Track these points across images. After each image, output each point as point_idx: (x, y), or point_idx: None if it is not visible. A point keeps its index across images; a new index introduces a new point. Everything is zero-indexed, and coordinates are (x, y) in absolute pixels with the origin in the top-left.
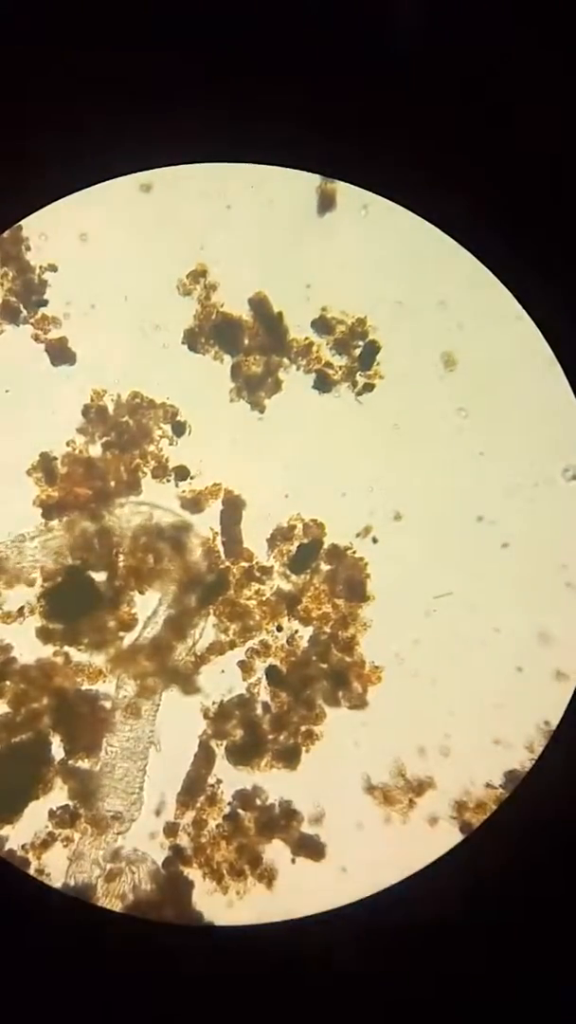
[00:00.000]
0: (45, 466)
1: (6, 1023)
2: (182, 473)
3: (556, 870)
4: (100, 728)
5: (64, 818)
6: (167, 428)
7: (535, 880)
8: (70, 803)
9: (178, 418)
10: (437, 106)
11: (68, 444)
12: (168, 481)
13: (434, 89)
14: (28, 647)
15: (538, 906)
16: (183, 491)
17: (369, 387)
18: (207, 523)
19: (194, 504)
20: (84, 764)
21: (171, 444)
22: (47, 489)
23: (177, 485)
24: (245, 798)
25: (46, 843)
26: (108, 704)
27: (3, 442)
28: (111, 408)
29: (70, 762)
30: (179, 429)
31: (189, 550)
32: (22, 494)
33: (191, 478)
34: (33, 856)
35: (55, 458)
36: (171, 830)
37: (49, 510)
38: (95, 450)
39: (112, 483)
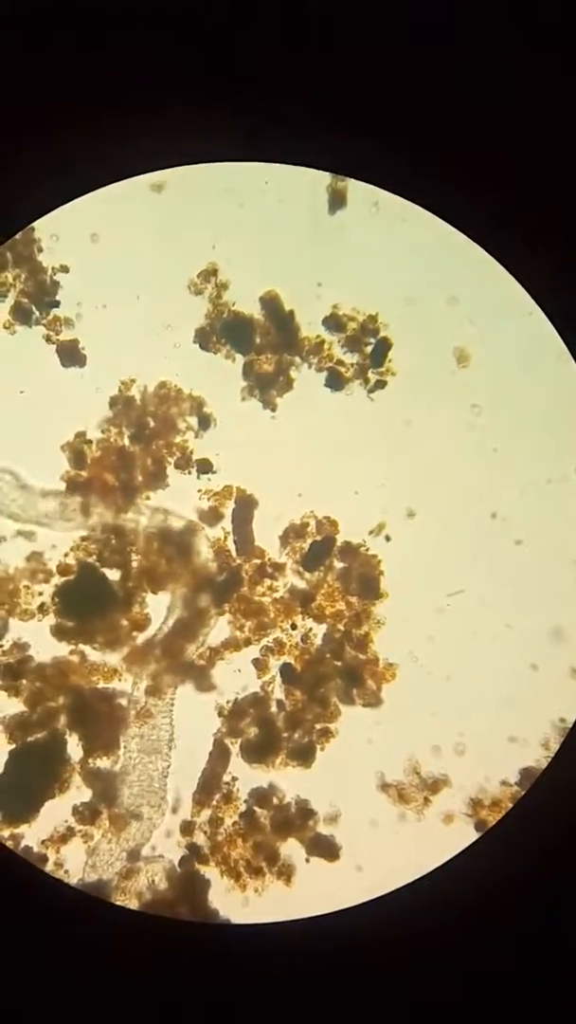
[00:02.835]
0: (76, 448)
1: (22, 1017)
2: (205, 466)
3: (572, 867)
4: (117, 726)
5: (85, 814)
6: (193, 421)
7: (552, 878)
8: (92, 800)
9: (204, 410)
10: (447, 103)
11: (103, 431)
12: (190, 473)
13: (444, 86)
14: (44, 646)
15: (555, 904)
16: (200, 489)
17: (381, 384)
18: (219, 523)
19: (207, 504)
20: (103, 763)
21: (196, 436)
22: (74, 471)
23: (199, 477)
24: (261, 796)
25: (64, 838)
26: (124, 702)
27: (21, 437)
28: (138, 399)
29: (89, 761)
30: (205, 422)
31: (201, 550)
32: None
33: (213, 472)
34: (52, 851)
35: (89, 441)
36: (188, 828)
37: (74, 488)
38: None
39: (140, 477)
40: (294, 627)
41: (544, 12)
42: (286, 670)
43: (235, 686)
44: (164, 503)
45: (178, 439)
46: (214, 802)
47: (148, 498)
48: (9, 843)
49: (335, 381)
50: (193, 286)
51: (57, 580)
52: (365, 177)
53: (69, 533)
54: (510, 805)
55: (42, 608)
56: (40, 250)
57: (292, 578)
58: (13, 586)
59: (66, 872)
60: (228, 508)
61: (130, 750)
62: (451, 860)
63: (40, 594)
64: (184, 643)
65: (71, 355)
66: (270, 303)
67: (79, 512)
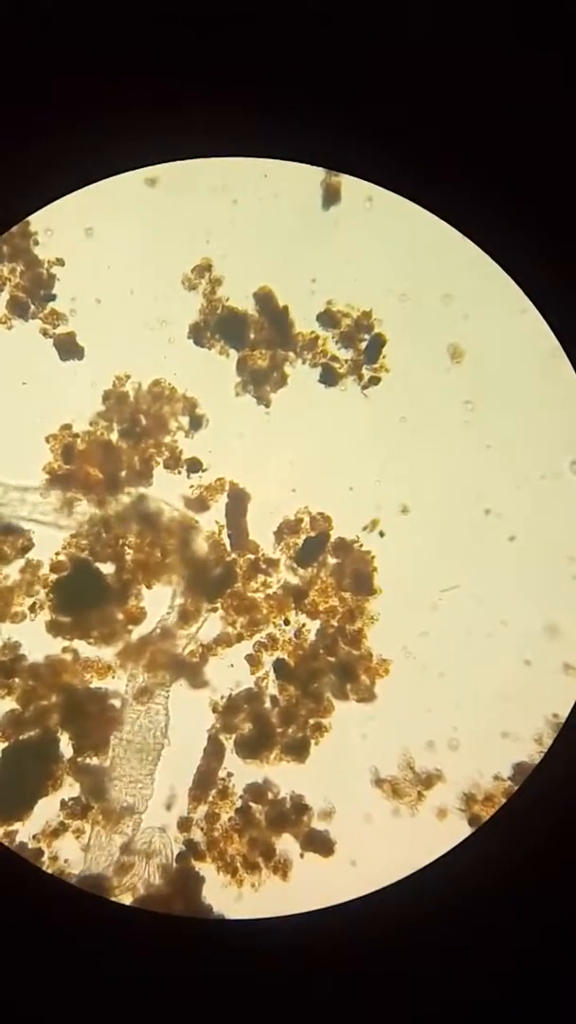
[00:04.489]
0: (62, 440)
1: (20, 1014)
2: (194, 465)
3: (565, 862)
4: (109, 726)
5: (75, 810)
6: (184, 421)
7: (545, 872)
8: (81, 796)
9: (197, 411)
10: (442, 99)
11: (91, 424)
12: (180, 472)
13: (437, 82)
14: (37, 645)
15: (547, 898)
16: (192, 485)
17: (375, 380)
18: (213, 517)
19: (200, 498)
20: (94, 761)
21: (187, 436)
22: (58, 461)
23: (189, 477)
24: (256, 792)
25: (56, 833)
26: (117, 702)
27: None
28: (131, 395)
29: (79, 759)
30: (196, 423)
31: (195, 544)
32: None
33: (203, 471)
34: (44, 844)
35: (76, 435)
36: (184, 825)
37: (56, 480)
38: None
39: (123, 473)
40: (287, 622)
41: (543, 12)
42: (279, 665)
43: (228, 682)
44: (154, 495)
45: (168, 439)
46: (210, 798)
47: (132, 494)
48: (3, 840)
49: (329, 377)
50: (187, 281)
51: (51, 577)
52: (359, 173)
53: (61, 528)
54: (503, 800)
55: (34, 608)
56: (36, 243)
57: (285, 574)
58: (7, 596)
59: (60, 868)
60: (219, 500)
61: (122, 744)
62: (445, 855)
63: (32, 596)
64: (178, 635)
65: (69, 348)
66: (264, 299)
67: (64, 505)
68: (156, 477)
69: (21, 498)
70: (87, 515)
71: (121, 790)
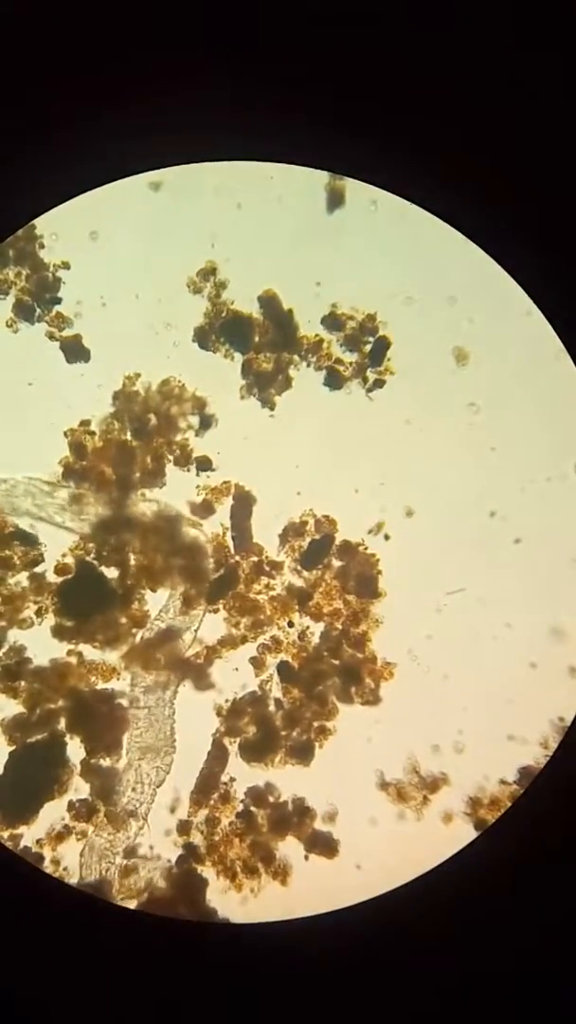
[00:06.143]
0: (78, 437)
1: (25, 1016)
2: (204, 464)
3: (571, 866)
4: (119, 726)
5: (82, 812)
6: (194, 420)
7: (550, 876)
8: (89, 798)
9: (206, 410)
10: (446, 103)
11: (106, 424)
12: (190, 470)
13: (442, 87)
14: (42, 649)
15: (554, 901)
16: (199, 485)
17: (380, 383)
18: (217, 519)
19: (205, 501)
20: (105, 763)
21: (197, 435)
22: (73, 458)
23: (198, 474)
24: (258, 795)
25: (61, 836)
26: (125, 702)
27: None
28: (142, 393)
29: (92, 761)
30: (206, 422)
31: (199, 546)
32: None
33: (213, 470)
34: (48, 848)
35: (92, 432)
36: (184, 828)
37: (71, 474)
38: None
39: (137, 473)
40: (291, 624)
41: (544, 13)
42: (283, 668)
43: (233, 685)
44: (161, 499)
45: (178, 437)
46: (211, 802)
47: (144, 495)
48: (8, 843)
49: (334, 380)
50: (192, 285)
51: (56, 581)
52: (364, 177)
53: (72, 527)
54: (509, 804)
55: (39, 612)
56: (41, 247)
57: (290, 576)
58: (15, 603)
59: (65, 870)
60: (225, 504)
61: (131, 748)
62: (450, 859)
63: (37, 602)
64: (181, 637)
65: (76, 351)
66: (269, 302)
67: (76, 502)
68: (167, 476)
69: (39, 492)
70: (95, 517)
71: (142, 769)
